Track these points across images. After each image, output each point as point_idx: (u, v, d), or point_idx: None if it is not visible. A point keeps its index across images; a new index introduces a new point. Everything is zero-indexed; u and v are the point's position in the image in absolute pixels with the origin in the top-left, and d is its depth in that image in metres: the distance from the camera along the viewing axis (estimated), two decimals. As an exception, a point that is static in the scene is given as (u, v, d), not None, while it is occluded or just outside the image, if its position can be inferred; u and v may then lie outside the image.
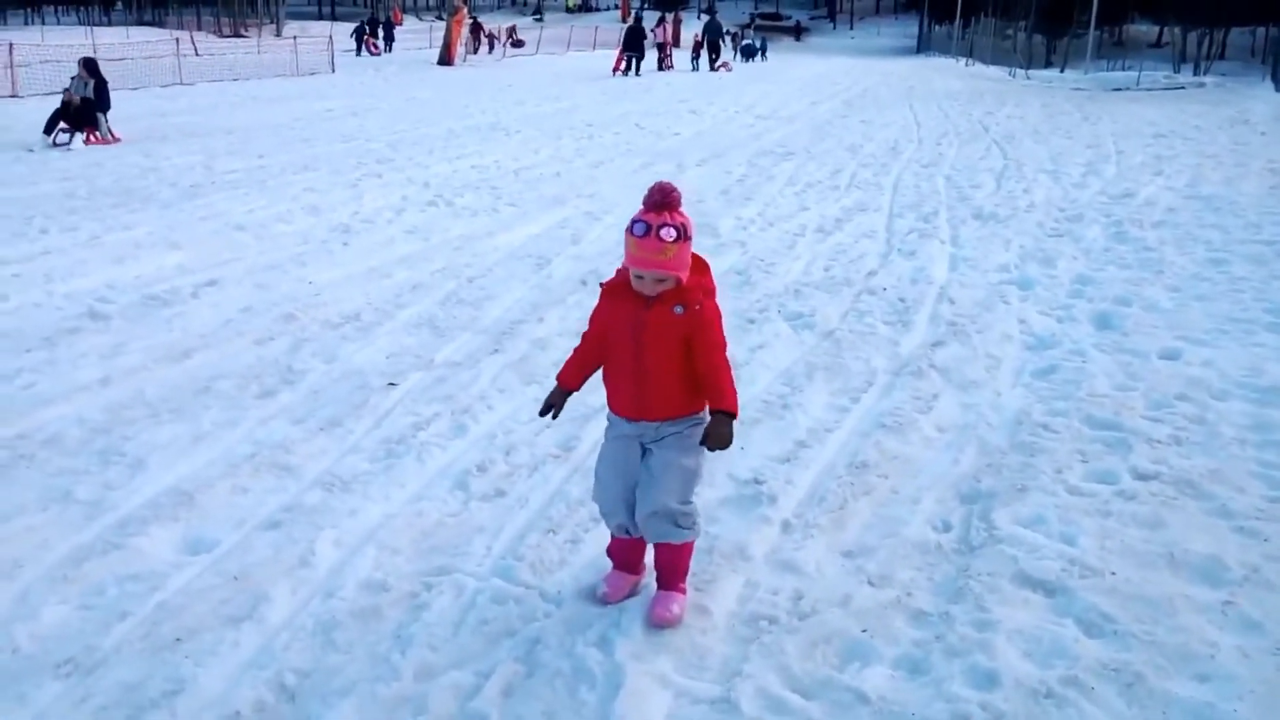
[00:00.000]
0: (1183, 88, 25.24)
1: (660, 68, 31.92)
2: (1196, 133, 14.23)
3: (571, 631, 2.90)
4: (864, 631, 2.88)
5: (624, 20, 47.82)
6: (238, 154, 12.49)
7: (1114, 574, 3.12)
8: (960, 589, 3.08)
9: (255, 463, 4.04)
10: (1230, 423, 4.35)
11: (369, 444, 4.23)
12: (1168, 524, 3.46)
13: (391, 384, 4.91)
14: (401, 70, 29.63)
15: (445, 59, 31.98)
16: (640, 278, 2.76)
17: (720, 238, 8.25)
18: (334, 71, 28.19)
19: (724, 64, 32.57)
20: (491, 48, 40.49)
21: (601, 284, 2.93)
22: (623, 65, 29.82)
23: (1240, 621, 2.87)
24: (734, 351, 5.52)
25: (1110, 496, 3.67)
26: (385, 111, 18.19)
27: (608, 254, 7.70)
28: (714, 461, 4.04)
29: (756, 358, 5.38)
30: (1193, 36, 44.46)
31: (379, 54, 37.96)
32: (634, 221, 2.71)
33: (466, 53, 34.20)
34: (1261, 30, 41.26)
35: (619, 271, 2.88)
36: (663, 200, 2.70)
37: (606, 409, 2.96)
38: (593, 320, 2.95)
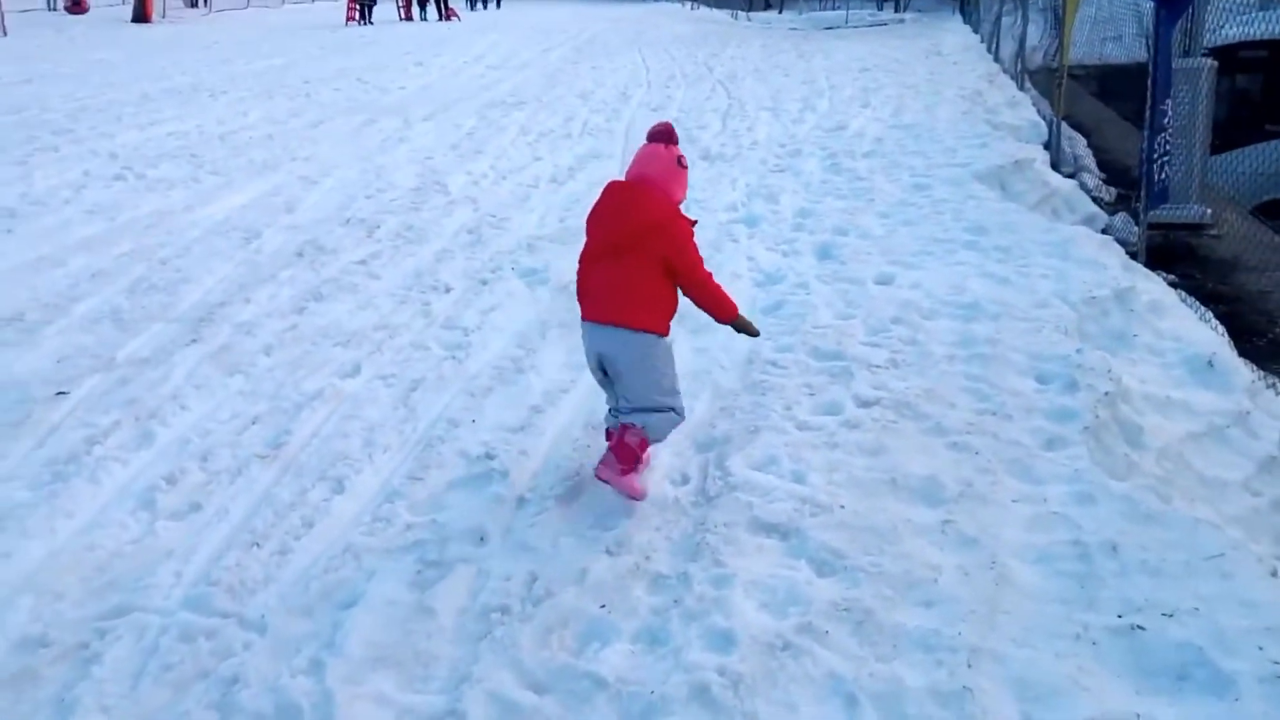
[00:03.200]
0: (885, 24, 26.99)
1: (401, 18, 30.69)
2: (898, 65, 15.15)
3: (276, 660, 2.54)
4: (602, 607, 2.72)
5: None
6: None
7: (843, 507, 3.14)
8: (698, 545, 2.99)
9: (-125, 511, 3.32)
10: (940, 341, 4.56)
11: (29, 469, 3.60)
12: (889, 449, 3.54)
13: (61, 392, 4.22)
14: (90, 29, 26.33)
15: (141, 15, 28.72)
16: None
17: (450, 195, 7.84)
18: (4, 34, 24.65)
19: (452, 13, 31.44)
20: (203, 0, 36.78)
21: (688, 220, 3.22)
22: (355, 15, 28.37)
23: (958, 540, 2.95)
24: (466, 316, 5.25)
25: (836, 428, 3.72)
26: (66, 76, 16.05)
27: (326, 221, 7.11)
28: (445, 442, 3.77)
29: (489, 321, 5.10)
30: (892, -24, 47.78)
31: (83, 11, 33.35)
32: (682, 157, 3.24)
33: (187, 5, 31.10)
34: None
35: (675, 205, 3.23)
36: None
37: (665, 334, 3.21)
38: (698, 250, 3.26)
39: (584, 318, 3.25)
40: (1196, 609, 2.52)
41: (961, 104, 11.08)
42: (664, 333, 3.19)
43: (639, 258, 3.10)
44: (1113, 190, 8.69)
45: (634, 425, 3.21)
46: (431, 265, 6.05)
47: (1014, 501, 3.18)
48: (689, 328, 4.94)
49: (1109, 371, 4.09)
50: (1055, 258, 5.60)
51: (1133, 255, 6.14)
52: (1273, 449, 4.11)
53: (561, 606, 2.72)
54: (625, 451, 3.23)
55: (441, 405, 4.08)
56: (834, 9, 32.49)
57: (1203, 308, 5.48)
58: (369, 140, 10.26)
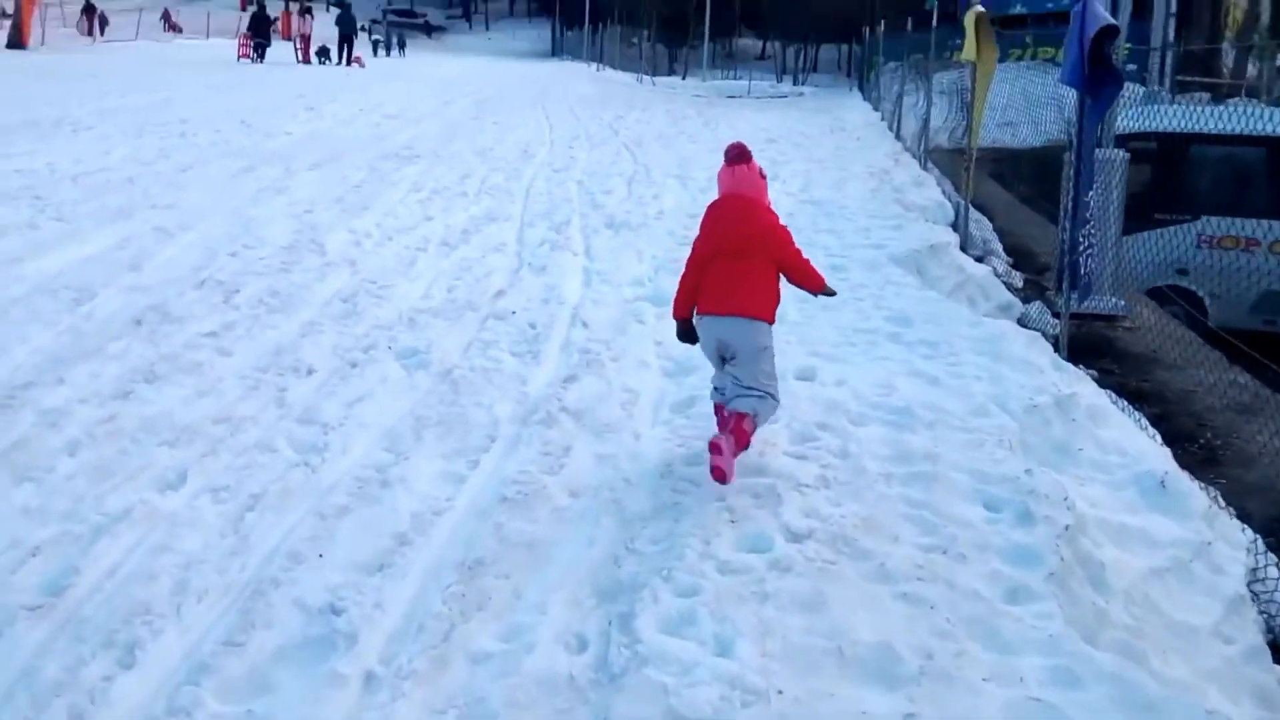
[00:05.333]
0: (785, 96, 27.42)
1: (299, 60, 29.68)
2: (803, 138, 15.07)
3: None
4: None
5: (243, 8, 44.69)
6: None
7: (781, 693, 2.51)
8: (598, 752, 2.31)
9: None
10: (873, 454, 4.02)
11: None
12: (829, 602, 2.94)
13: None
14: (-49, 55, 24.53)
15: (16, 41, 26.94)
16: None
17: (327, 255, 7.05)
18: None
19: (357, 58, 30.55)
20: (102, 30, 35.00)
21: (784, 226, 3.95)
22: (249, 52, 27.59)
23: (926, 745, 2.35)
24: (327, 408, 4.48)
25: (765, 571, 3.10)
26: (-90, 103, 14.62)
27: (177, 281, 6.22)
28: (280, 586, 3.00)
29: (354, 414, 4.35)
30: (791, 51, 49.76)
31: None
32: (762, 170, 3.93)
33: (84, 33, 29.73)
34: (846, 47, 46.67)
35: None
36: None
37: (773, 322, 3.89)
38: None
39: (704, 312, 3.81)
40: None
41: (870, 181, 10.89)
42: (773, 321, 3.85)
43: (755, 260, 3.77)
44: (1019, 275, 8.52)
45: (748, 414, 3.71)
46: (294, 340, 5.26)
47: (985, 680, 2.61)
48: (590, 428, 4.31)
49: (1065, 499, 3.61)
50: (986, 356, 5.19)
51: (1053, 347, 5.83)
52: (1239, 585, 3.69)
53: None
54: (743, 437, 3.72)
55: (283, 531, 3.30)
56: (735, 78, 32.99)
57: (1137, 412, 5.16)
58: (243, 189, 9.38)
